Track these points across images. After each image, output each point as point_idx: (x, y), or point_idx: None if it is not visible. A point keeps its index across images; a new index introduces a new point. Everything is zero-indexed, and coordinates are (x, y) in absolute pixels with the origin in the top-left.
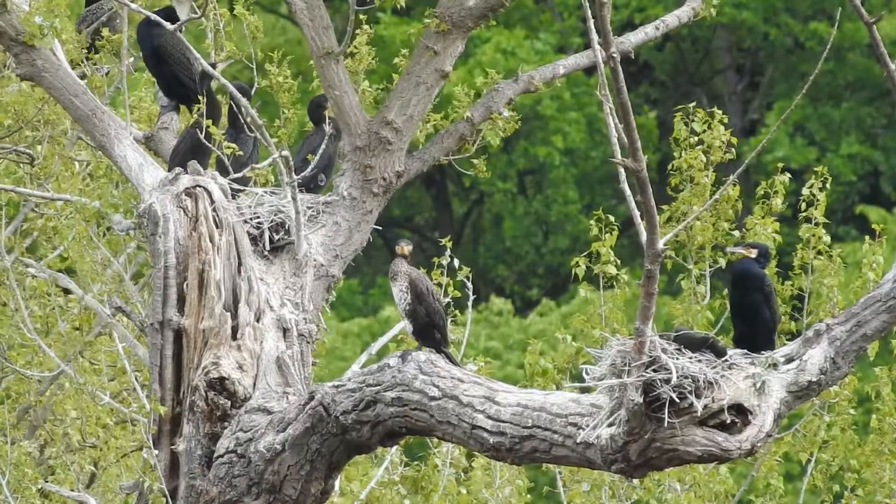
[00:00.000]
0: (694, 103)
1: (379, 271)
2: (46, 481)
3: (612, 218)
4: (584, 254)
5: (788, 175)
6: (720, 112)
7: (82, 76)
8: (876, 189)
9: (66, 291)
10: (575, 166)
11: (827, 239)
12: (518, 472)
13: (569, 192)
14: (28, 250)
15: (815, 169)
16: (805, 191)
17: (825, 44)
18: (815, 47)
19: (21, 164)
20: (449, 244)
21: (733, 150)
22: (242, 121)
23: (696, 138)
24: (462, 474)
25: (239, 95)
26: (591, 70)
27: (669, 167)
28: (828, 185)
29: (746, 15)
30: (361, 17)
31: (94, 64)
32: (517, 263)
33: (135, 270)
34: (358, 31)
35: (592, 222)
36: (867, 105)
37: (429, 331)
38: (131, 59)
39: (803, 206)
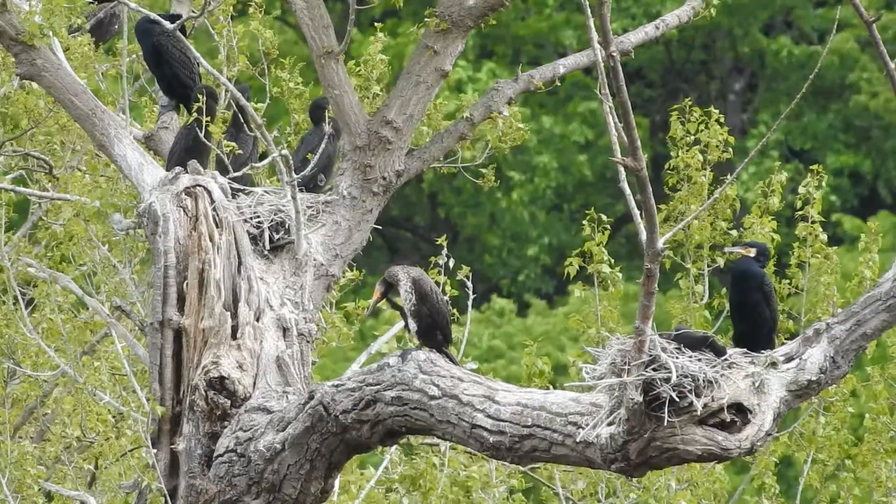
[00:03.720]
0: (690, 99)
1: (378, 271)
2: (47, 480)
3: (604, 217)
4: (576, 252)
5: (785, 174)
6: (717, 111)
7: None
8: (874, 192)
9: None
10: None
11: (824, 237)
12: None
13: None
14: (37, 256)
15: (812, 167)
16: (801, 189)
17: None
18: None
19: (30, 170)
20: (445, 243)
21: (730, 149)
22: (242, 119)
23: (693, 137)
24: (460, 473)
25: (239, 94)
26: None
27: (667, 166)
28: (824, 184)
29: (723, 20)
30: (378, 25)
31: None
32: (512, 264)
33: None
34: (373, 39)
35: (585, 222)
36: (858, 109)
37: (432, 331)
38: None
39: (799, 203)
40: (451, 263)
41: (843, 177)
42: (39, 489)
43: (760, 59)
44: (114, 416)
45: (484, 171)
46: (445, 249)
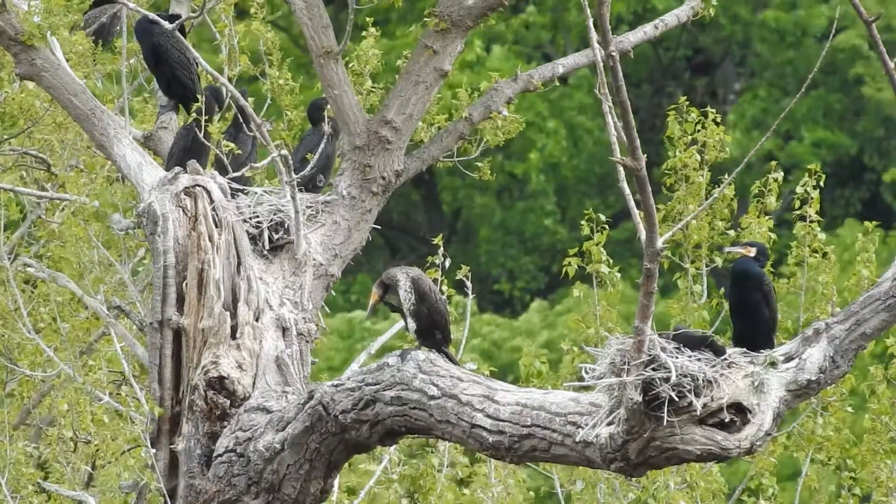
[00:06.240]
0: (685, 97)
1: (377, 271)
2: (45, 480)
3: (602, 217)
4: (575, 252)
5: (782, 173)
6: (714, 111)
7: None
8: (876, 196)
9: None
10: (553, 177)
11: (822, 236)
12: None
13: (546, 204)
14: (36, 255)
15: (809, 167)
16: (799, 189)
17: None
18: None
19: (31, 170)
20: (440, 242)
21: (727, 149)
22: (242, 120)
23: (691, 137)
24: (459, 473)
25: (238, 94)
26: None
27: (664, 166)
28: (821, 183)
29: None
30: (368, 19)
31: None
32: (507, 263)
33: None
34: (364, 34)
35: (584, 222)
36: (836, 92)
37: (431, 330)
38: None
39: (797, 203)
40: (448, 263)
41: (822, 149)
42: (35, 489)
43: (746, 36)
44: (110, 418)
45: (479, 164)
46: (441, 249)
